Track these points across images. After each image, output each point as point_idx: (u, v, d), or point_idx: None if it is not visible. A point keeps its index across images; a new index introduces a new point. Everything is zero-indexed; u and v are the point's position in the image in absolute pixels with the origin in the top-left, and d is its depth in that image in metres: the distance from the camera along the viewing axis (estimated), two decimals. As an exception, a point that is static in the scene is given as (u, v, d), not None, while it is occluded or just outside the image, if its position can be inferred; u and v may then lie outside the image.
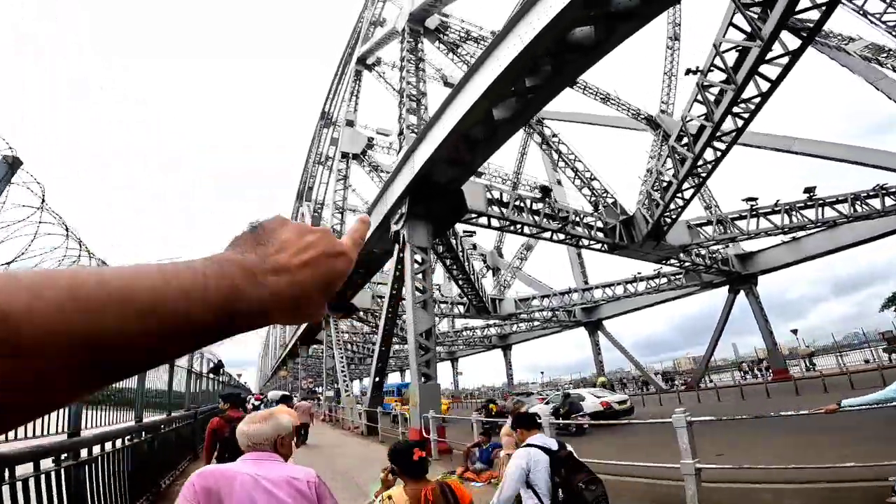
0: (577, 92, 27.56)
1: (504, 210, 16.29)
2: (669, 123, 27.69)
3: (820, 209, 19.06)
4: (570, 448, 3.29)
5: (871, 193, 18.60)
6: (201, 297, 0.34)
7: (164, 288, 0.32)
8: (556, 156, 21.41)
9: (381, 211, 16.30)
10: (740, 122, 13.06)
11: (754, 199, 19.46)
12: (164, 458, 7.78)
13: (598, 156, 27.82)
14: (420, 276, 13.62)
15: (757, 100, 12.48)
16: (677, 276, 25.72)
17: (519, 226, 17.01)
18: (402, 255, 14.88)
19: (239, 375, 39.80)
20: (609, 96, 27.74)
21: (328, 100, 41.31)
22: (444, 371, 56.70)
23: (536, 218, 16.94)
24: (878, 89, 20.01)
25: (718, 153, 14.08)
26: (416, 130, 16.38)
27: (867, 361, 24.61)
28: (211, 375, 17.32)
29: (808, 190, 19.17)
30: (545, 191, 17.74)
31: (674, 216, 17.13)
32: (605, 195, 19.94)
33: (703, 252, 22.72)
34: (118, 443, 5.43)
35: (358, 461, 10.56)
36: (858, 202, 18.65)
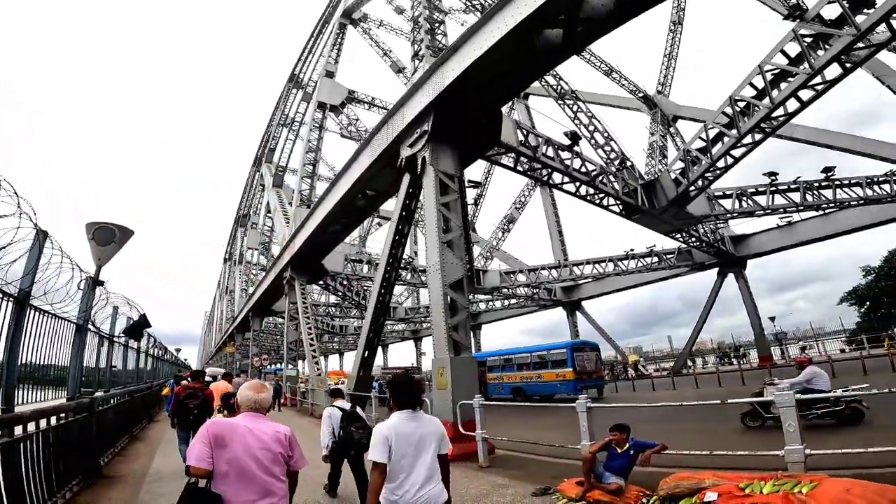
0: (581, 61, 25.06)
1: (535, 151, 13.12)
2: (665, 104, 26.02)
3: (837, 190, 17.64)
4: (358, 409, 4.94)
5: (882, 179, 17.46)
6: None
7: None
8: (571, 113, 18.49)
9: (384, 137, 12.52)
10: (837, 72, 10.92)
11: (775, 175, 17.67)
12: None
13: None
14: (445, 207, 10.00)
15: (863, 52, 10.41)
16: (669, 256, 23.92)
17: (548, 171, 14.00)
18: (412, 190, 11.30)
19: (177, 350, 33.89)
20: (612, 69, 25.49)
21: (300, 61, 36.04)
22: (406, 350, 53.10)
23: (566, 165, 13.98)
24: (883, 83, 18.46)
25: (798, 105, 11.78)
26: (435, 53, 12.71)
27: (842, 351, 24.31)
28: (129, 341, 11.10)
29: (827, 170, 17.66)
30: (574, 137, 14.74)
31: (711, 178, 14.78)
32: (625, 157, 17.33)
33: (705, 229, 20.92)
34: None
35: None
36: (873, 185, 17.44)
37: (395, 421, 2.37)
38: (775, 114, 12.08)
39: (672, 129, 25.64)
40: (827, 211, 20.48)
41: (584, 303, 30.68)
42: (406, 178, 11.47)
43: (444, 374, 8.77)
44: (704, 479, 4.22)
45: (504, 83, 10.43)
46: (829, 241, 21.58)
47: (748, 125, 12.43)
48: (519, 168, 13.64)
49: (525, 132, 13.65)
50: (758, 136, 13.07)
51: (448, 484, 2.41)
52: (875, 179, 17.46)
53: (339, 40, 26.61)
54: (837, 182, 17.52)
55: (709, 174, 14.59)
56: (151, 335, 14.38)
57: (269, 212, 36.13)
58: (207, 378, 18.45)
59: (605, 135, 18.10)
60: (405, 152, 11.38)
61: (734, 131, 12.93)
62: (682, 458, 5.01)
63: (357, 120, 25.51)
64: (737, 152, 13.57)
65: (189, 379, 8.33)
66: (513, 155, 13.54)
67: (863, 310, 30.16)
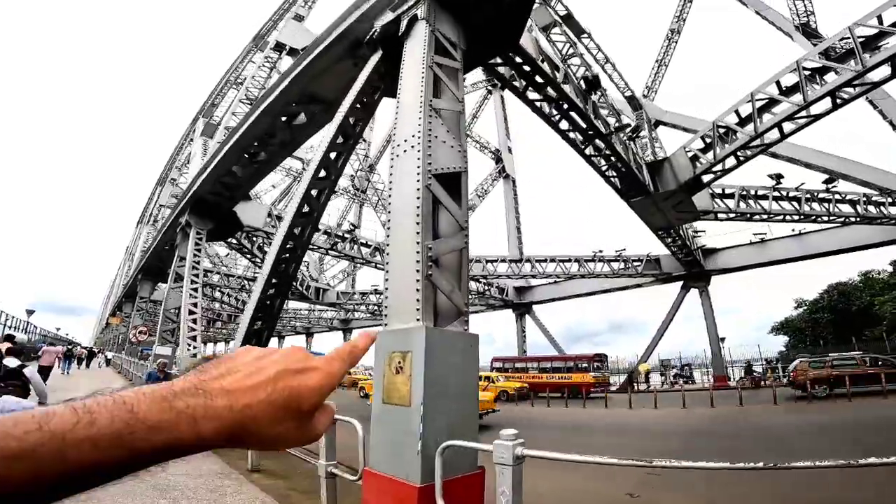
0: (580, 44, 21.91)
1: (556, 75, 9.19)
2: (650, 107, 23.74)
3: (835, 204, 15.68)
4: (26, 370, 4.68)
5: (878, 200, 15.77)
6: (82, 436, 0.29)
7: (35, 433, 0.28)
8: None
9: (351, 16, 7.82)
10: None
11: (780, 177, 15.32)
12: None
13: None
14: (440, 67, 5.49)
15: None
16: (637, 263, 21.25)
17: (560, 111, 10.18)
18: (378, 76, 6.84)
19: (30, 313, 26.49)
20: (609, 60, 22.60)
21: (270, 20, 29.50)
22: (335, 343, 46.92)
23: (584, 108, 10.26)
24: (875, 108, 17.00)
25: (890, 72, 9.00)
26: None
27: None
28: None
29: (829, 181, 15.63)
30: (594, 84, 11.12)
31: (742, 158, 11.80)
32: (638, 126, 14.14)
33: (685, 234, 18.38)
34: None
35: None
36: (870, 204, 15.68)
37: None
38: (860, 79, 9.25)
39: (653, 134, 23.44)
40: (801, 231, 18.97)
41: (535, 307, 27.48)
42: (373, 59, 6.94)
43: (405, 365, 3.79)
44: None
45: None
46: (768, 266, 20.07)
47: (822, 90, 9.45)
48: (528, 95, 9.62)
49: (542, 55, 9.69)
50: (819, 109, 10.17)
51: None
52: (870, 198, 15.73)
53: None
54: (838, 196, 15.56)
55: (741, 153, 11.59)
56: None
57: (188, 163, 29.18)
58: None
59: (612, 106, 14.78)
60: (382, 20, 6.83)
61: (797, 97, 9.94)
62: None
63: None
64: (787, 127, 10.62)
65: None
66: (519, 83, 9.52)
67: (789, 340, 30.02)
